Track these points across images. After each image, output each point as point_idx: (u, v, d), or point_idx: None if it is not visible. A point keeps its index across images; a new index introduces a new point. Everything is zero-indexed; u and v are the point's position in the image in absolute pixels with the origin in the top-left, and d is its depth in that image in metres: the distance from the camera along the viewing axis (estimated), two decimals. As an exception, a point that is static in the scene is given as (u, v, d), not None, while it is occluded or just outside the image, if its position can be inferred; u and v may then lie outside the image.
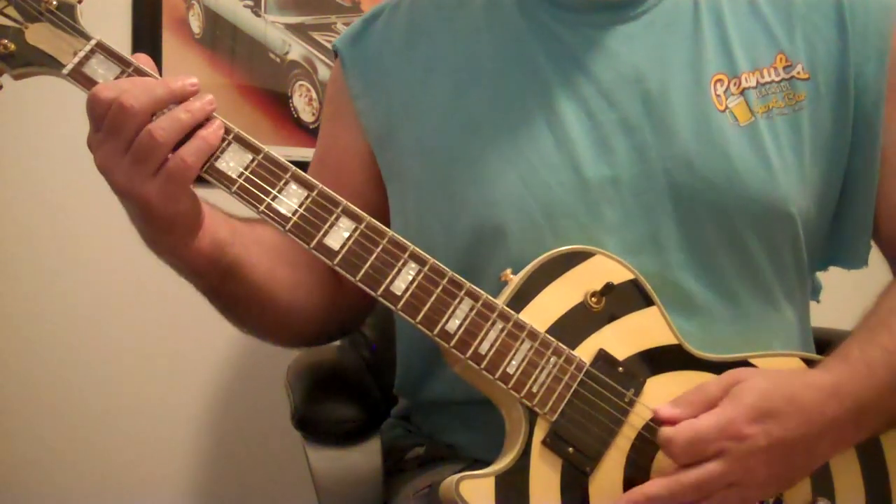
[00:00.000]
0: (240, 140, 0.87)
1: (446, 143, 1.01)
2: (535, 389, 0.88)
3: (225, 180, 0.86)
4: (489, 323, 0.88)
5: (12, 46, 0.86)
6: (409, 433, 1.13)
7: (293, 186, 0.87)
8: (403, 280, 0.87)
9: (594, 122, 0.97)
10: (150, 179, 0.84)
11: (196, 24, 1.61)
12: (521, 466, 0.86)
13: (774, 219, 0.97)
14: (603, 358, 0.90)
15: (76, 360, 1.59)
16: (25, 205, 1.56)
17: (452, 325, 0.87)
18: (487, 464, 0.88)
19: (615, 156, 0.96)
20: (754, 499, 0.87)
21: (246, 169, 0.87)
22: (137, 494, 1.62)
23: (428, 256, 0.88)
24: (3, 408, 1.57)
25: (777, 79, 0.99)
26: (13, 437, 1.58)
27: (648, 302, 0.93)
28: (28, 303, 1.57)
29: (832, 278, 1.10)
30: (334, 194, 0.88)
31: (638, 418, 0.89)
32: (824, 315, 1.12)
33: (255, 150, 0.87)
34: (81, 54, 0.87)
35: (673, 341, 0.92)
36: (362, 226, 0.88)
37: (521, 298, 0.90)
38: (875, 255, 1.05)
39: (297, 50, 1.66)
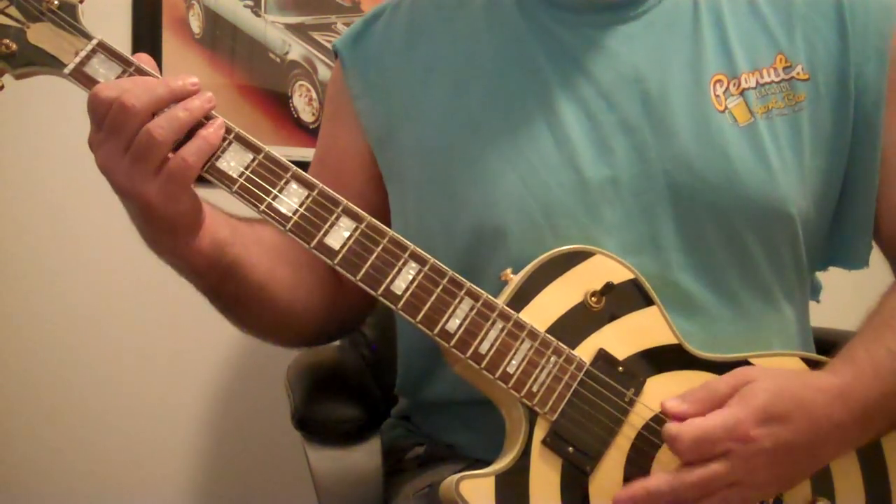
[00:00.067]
0: (240, 140, 0.87)
1: (446, 143, 1.01)
2: (535, 389, 0.88)
3: (226, 180, 0.86)
4: (489, 322, 0.88)
5: (14, 46, 0.86)
6: (409, 433, 1.13)
7: (294, 186, 0.88)
8: (404, 280, 0.88)
9: (594, 122, 0.97)
10: (150, 179, 0.84)
11: (196, 24, 1.61)
12: (522, 466, 0.86)
13: (774, 219, 0.97)
14: (603, 357, 0.90)
15: (76, 360, 1.60)
16: (25, 205, 1.56)
17: (453, 324, 0.88)
18: (487, 464, 0.88)
19: (615, 156, 0.96)
20: (754, 499, 0.87)
21: (247, 168, 0.87)
22: (137, 494, 1.62)
23: (428, 256, 0.88)
24: (3, 408, 1.58)
25: (777, 79, 0.99)
26: (13, 437, 1.58)
27: (648, 301, 0.93)
28: (28, 303, 1.58)
29: (832, 278, 1.11)
30: (335, 194, 0.88)
31: (638, 418, 0.89)
32: (824, 315, 1.12)
33: (255, 150, 0.87)
34: (83, 54, 0.87)
35: (673, 341, 0.92)
36: (363, 225, 0.88)
37: (522, 298, 0.90)
38: (875, 256, 1.05)
39: (297, 50, 1.66)
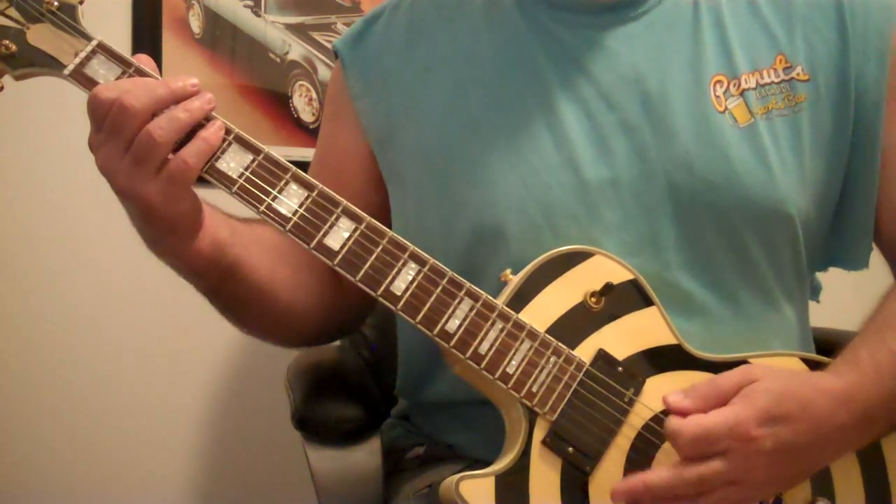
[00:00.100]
0: (240, 140, 0.87)
1: (446, 144, 1.01)
2: (534, 389, 0.88)
3: (225, 181, 0.87)
4: (489, 323, 0.88)
5: (14, 47, 0.86)
6: (409, 433, 1.13)
7: (293, 187, 0.88)
8: (403, 280, 0.88)
9: (594, 122, 0.97)
10: (151, 180, 0.84)
11: (196, 24, 1.61)
12: (521, 466, 0.86)
13: (774, 220, 0.97)
14: (602, 358, 0.90)
15: (76, 360, 1.60)
16: (25, 205, 1.56)
17: (452, 325, 0.88)
18: (487, 464, 0.88)
19: (615, 157, 0.96)
20: (754, 498, 0.87)
21: (246, 169, 0.87)
22: (137, 494, 1.62)
23: (428, 256, 0.88)
24: (3, 408, 1.58)
25: (777, 80, 0.99)
26: (13, 437, 1.58)
27: (648, 302, 0.93)
28: (28, 303, 1.57)
29: (832, 278, 1.11)
30: (334, 195, 0.88)
31: (638, 418, 0.89)
32: (824, 315, 1.12)
33: (255, 151, 0.88)
34: (83, 55, 0.87)
35: (672, 341, 0.92)
36: (362, 226, 0.88)
37: (521, 298, 0.90)
38: (875, 256, 1.05)
39: (297, 50, 1.66)
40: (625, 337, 0.91)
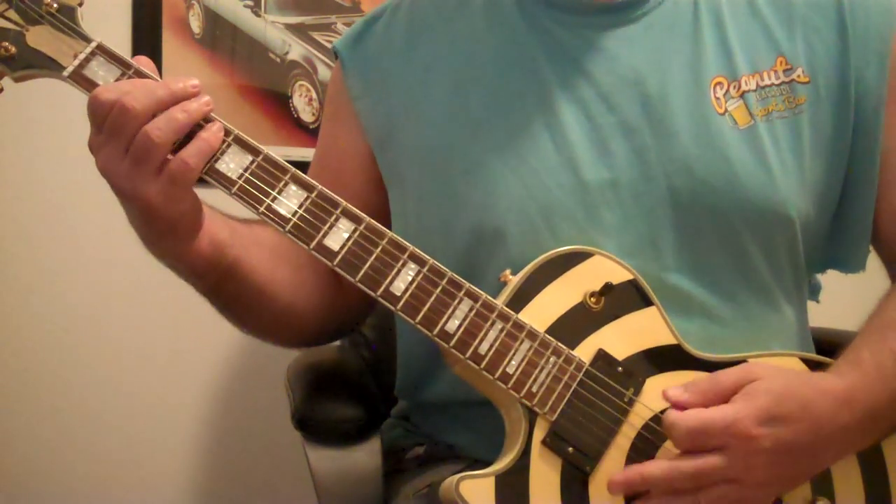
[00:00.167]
0: (239, 141, 0.87)
1: (446, 144, 1.01)
2: (534, 389, 0.88)
3: (225, 181, 0.87)
4: (489, 323, 0.88)
5: (13, 49, 0.86)
6: (409, 433, 1.13)
7: (293, 187, 0.88)
8: (403, 280, 0.88)
9: (593, 124, 0.97)
10: (151, 181, 0.84)
11: (196, 24, 1.61)
12: (521, 466, 0.86)
13: (773, 222, 0.97)
14: (602, 358, 0.90)
15: (76, 360, 1.60)
16: (25, 205, 1.56)
17: (452, 325, 0.88)
18: (487, 464, 0.88)
19: (614, 158, 0.96)
20: (754, 499, 0.86)
21: (246, 170, 0.87)
22: (137, 494, 1.63)
23: (427, 257, 0.88)
24: (3, 408, 1.58)
25: (777, 82, 0.99)
26: (13, 437, 1.58)
27: (647, 302, 0.93)
28: (28, 303, 1.58)
29: (831, 279, 1.11)
30: (334, 195, 0.88)
31: (637, 418, 0.89)
32: (824, 315, 1.12)
33: (254, 152, 0.88)
34: (82, 56, 0.87)
35: (672, 341, 0.93)
36: (362, 227, 0.88)
37: (521, 299, 0.90)
38: (874, 258, 1.05)
39: (297, 50, 1.66)
40: (624, 337, 0.91)
